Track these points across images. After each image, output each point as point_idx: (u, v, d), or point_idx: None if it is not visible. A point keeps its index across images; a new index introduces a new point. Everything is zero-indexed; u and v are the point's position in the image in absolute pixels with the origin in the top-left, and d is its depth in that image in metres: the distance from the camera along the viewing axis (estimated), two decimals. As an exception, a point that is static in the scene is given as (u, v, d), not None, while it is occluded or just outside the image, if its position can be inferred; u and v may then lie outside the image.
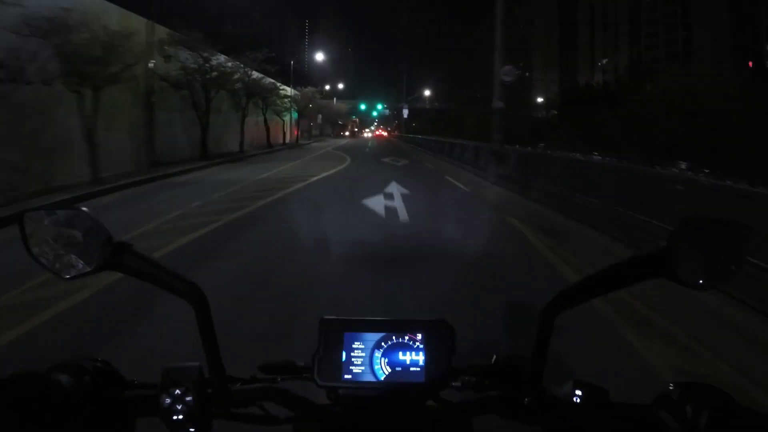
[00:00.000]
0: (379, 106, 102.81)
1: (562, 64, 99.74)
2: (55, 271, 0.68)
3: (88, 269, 0.67)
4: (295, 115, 45.33)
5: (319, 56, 73.85)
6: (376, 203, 9.82)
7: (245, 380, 0.78)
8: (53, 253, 0.67)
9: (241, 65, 23.72)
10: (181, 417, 0.69)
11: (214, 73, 19.93)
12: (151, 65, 16.08)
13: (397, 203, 9.92)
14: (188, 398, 0.69)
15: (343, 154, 28.02)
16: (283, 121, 37.24)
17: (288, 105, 38.08)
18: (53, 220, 0.68)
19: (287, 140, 41.17)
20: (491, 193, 12.72)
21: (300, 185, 12.72)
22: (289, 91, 40.02)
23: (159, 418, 0.69)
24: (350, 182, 14.10)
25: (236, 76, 22.97)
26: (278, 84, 32.65)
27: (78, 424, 0.63)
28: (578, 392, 0.69)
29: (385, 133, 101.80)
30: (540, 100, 78.09)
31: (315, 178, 14.51)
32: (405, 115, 71.48)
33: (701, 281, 0.64)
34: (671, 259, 0.63)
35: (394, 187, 12.21)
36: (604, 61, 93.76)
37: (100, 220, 0.67)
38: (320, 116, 57.28)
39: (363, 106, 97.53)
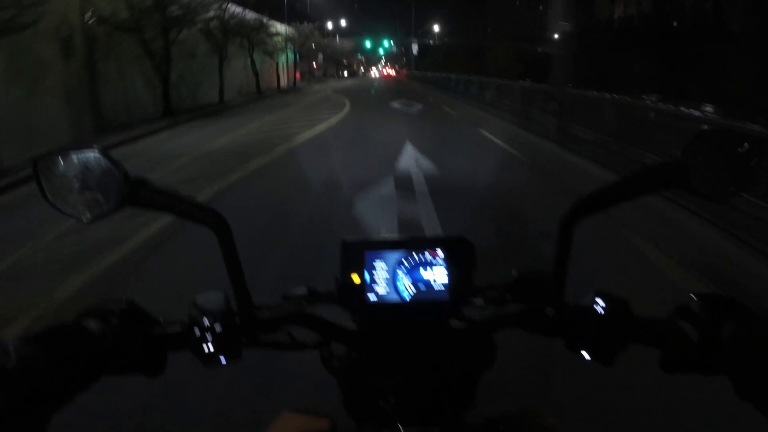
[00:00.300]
0: (386, 43, 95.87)
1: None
2: (75, 215, 0.66)
3: (108, 209, 0.66)
4: (292, 56, 41.58)
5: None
6: (383, 208, 5.65)
7: (271, 307, 0.76)
8: (71, 197, 0.66)
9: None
10: (211, 347, 0.69)
11: (175, 8, 16.21)
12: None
13: (422, 206, 5.69)
14: (217, 328, 0.69)
15: (343, 98, 24.02)
16: (277, 63, 33.16)
17: (281, 44, 34.36)
18: (68, 163, 0.65)
19: (283, 84, 37.65)
20: (573, 171, 8.20)
21: (265, 159, 9.10)
22: (281, 28, 36.00)
23: (189, 351, 0.69)
24: (344, 146, 10.26)
25: (209, 13, 19.26)
26: (265, 20, 28.34)
27: (112, 368, 0.63)
28: (600, 303, 0.69)
29: (393, 72, 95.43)
30: (555, 36, 72.31)
31: (291, 145, 10.53)
32: (414, 51, 65.25)
33: (716, 193, 0.64)
34: (687, 170, 0.63)
35: (410, 157, 8.49)
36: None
37: (114, 158, 0.65)
38: (321, 55, 53.15)
39: (368, 44, 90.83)
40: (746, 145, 0.63)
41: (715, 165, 0.64)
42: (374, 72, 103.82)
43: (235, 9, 23.54)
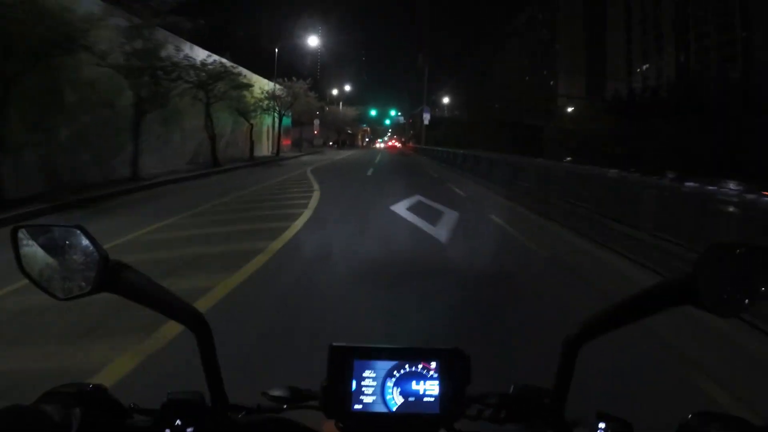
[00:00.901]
0: (393, 113, 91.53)
1: (590, 71, 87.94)
2: (49, 291, 0.64)
3: (84, 291, 0.64)
4: (286, 121, 34.74)
5: (314, 42, 47.11)
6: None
7: (249, 409, 0.75)
8: (47, 272, 0.64)
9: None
10: None
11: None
12: None
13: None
14: (189, 430, 0.66)
15: (320, 183, 15.48)
16: (251, 125, 25.53)
17: (263, 102, 27.41)
18: (48, 237, 0.64)
19: (264, 152, 30.61)
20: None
21: None
22: (263, 83, 29.18)
23: None
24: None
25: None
26: (231, 66, 20.63)
27: None
28: (602, 426, 0.66)
29: (398, 144, 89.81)
30: (569, 109, 67.53)
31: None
32: (426, 121, 57.94)
33: (729, 308, 0.63)
34: (697, 287, 0.62)
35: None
36: (645, 67, 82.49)
37: (95, 239, 0.62)
38: (317, 122, 46.62)
39: (374, 113, 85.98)
40: (757, 257, 0.62)
41: (726, 279, 0.62)
42: (379, 144, 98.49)
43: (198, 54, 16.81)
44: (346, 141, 74.35)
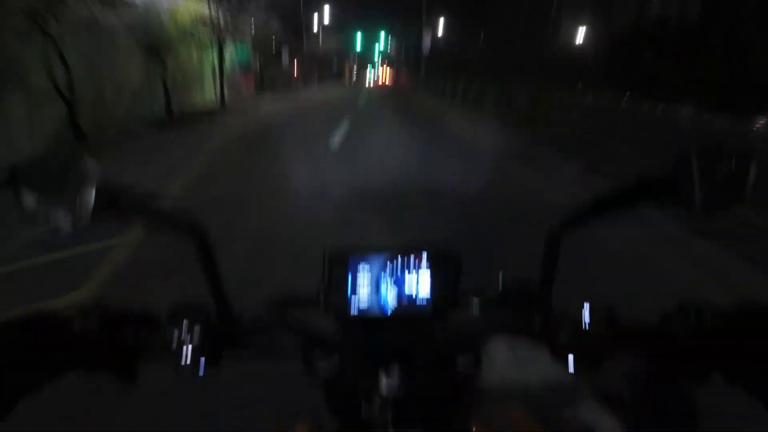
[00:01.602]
0: (382, 35, 71.98)
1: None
2: (53, 224, 0.66)
3: (86, 219, 0.65)
4: (242, 56, 26.22)
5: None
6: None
7: (251, 315, 0.78)
8: (49, 208, 0.65)
9: None
10: (189, 353, 0.68)
11: None
12: None
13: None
14: (196, 333, 0.69)
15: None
16: (165, 65, 16.72)
17: (198, 30, 18.96)
18: (45, 171, 0.65)
19: (205, 99, 22.25)
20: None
21: None
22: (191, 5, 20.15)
23: (165, 354, 0.69)
24: None
25: None
26: None
27: (81, 362, 0.63)
28: (587, 310, 0.70)
29: (387, 82, 73.51)
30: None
31: None
32: (426, 50, 45.34)
33: (706, 208, 0.66)
34: (677, 186, 0.65)
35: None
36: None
37: (94, 165, 0.65)
38: (285, 55, 37.13)
39: (359, 40, 68.68)
40: (737, 161, 0.65)
41: (705, 180, 0.65)
42: (369, 77, 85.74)
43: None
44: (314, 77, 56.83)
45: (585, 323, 0.70)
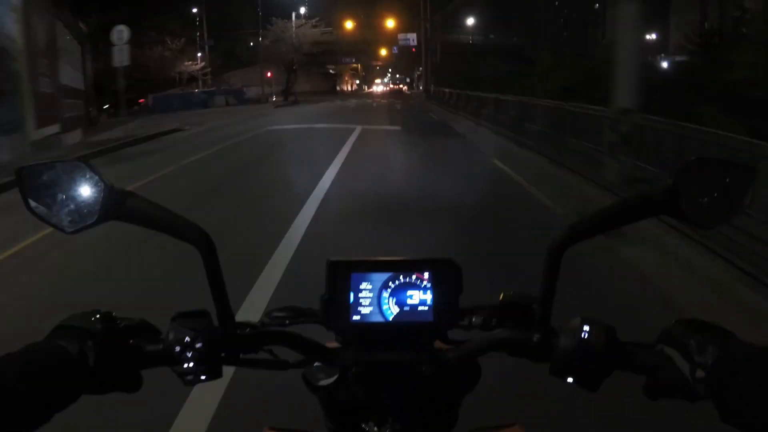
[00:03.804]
0: (390, 24, 53.98)
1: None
2: (57, 225, 0.67)
3: (91, 221, 0.67)
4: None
5: None
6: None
7: (253, 325, 0.78)
8: (54, 207, 0.67)
9: None
10: (191, 365, 0.69)
11: None
12: None
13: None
14: (197, 345, 0.69)
15: None
16: None
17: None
18: (52, 174, 0.67)
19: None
20: None
21: None
22: None
23: (168, 367, 0.70)
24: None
25: None
26: None
27: (91, 387, 0.64)
28: (586, 329, 0.70)
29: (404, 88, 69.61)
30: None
31: None
32: (412, 42, 40.75)
33: (706, 220, 0.67)
34: (677, 198, 0.66)
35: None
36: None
37: (99, 170, 0.67)
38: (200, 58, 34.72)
39: (348, 25, 53.79)
40: (737, 174, 0.66)
41: (705, 193, 0.66)
42: (378, 86, 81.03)
43: None
44: (291, 87, 43.05)
45: (584, 341, 0.69)
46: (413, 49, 55.10)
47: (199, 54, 43.99)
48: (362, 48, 59.83)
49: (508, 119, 15.41)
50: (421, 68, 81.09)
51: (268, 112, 28.89)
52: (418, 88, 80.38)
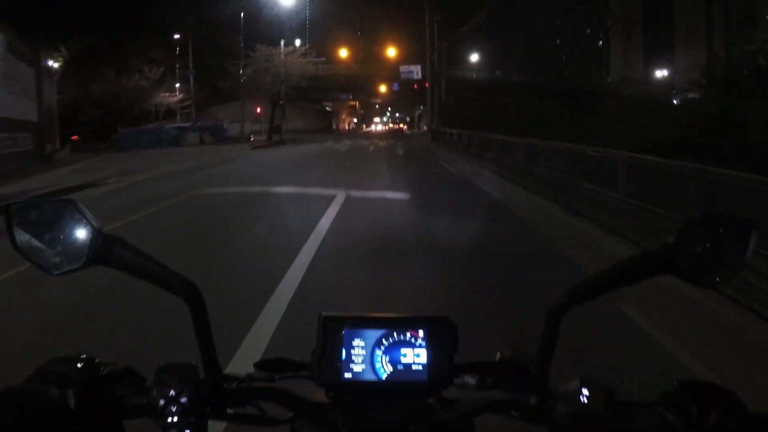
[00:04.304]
0: (392, 52, 52.58)
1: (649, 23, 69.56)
2: (41, 266, 0.68)
3: (77, 265, 0.67)
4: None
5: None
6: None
7: (241, 379, 0.78)
8: (40, 247, 0.67)
9: None
10: (175, 419, 0.68)
11: None
12: None
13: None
14: (183, 399, 0.68)
15: None
16: None
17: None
18: (40, 212, 0.68)
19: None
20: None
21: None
22: None
23: (152, 420, 0.69)
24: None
25: None
26: None
27: None
28: (585, 393, 0.69)
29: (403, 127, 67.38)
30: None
31: None
32: (416, 75, 37.15)
33: (708, 278, 0.67)
34: (678, 257, 0.66)
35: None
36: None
37: (89, 212, 0.67)
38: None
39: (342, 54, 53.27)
40: (737, 228, 0.66)
41: (705, 251, 0.65)
42: (377, 124, 77.26)
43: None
44: (280, 123, 39.23)
45: (584, 406, 0.68)
46: (415, 86, 50.88)
47: (177, 84, 39.29)
48: (360, 83, 55.18)
49: (555, 175, 10.22)
50: (422, 107, 77.64)
51: (241, 155, 23.80)
52: (420, 127, 76.44)
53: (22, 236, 0.66)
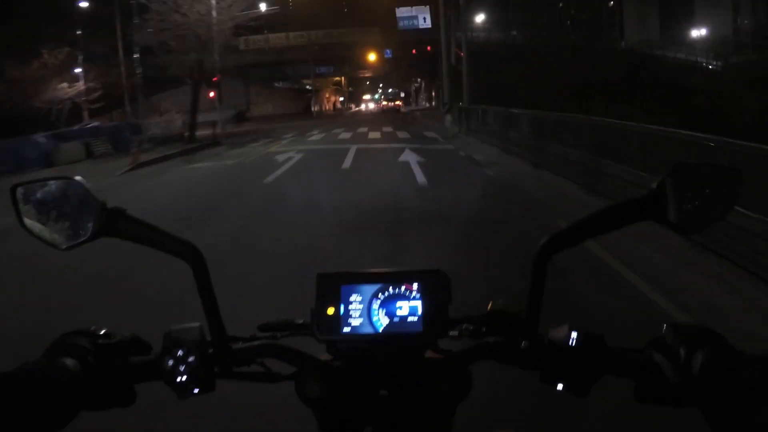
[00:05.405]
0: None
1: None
2: (50, 242, 0.70)
3: (84, 238, 0.69)
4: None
5: None
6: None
7: (245, 339, 0.80)
8: (48, 224, 0.69)
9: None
10: (184, 378, 0.70)
11: None
12: None
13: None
14: (191, 359, 0.71)
15: None
16: None
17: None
18: (45, 191, 0.70)
19: None
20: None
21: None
22: None
23: (162, 381, 0.71)
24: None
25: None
26: None
27: (88, 403, 0.65)
28: (574, 336, 0.71)
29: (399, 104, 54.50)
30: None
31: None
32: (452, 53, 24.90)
33: (691, 225, 0.68)
34: (662, 203, 0.67)
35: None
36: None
37: (91, 189, 0.69)
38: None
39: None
40: (723, 177, 0.66)
41: (690, 198, 0.66)
42: (368, 102, 65.53)
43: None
44: (243, 109, 33.73)
45: (572, 348, 0.70)
46: (414, 51, 39.28)
47: (78, 70, 27.48)
48: (343, 53, 43.56)
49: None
50: (420, 80, 64.89)
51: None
52: (421, 103, 64.08)
53: (29, 214, 0.68)
